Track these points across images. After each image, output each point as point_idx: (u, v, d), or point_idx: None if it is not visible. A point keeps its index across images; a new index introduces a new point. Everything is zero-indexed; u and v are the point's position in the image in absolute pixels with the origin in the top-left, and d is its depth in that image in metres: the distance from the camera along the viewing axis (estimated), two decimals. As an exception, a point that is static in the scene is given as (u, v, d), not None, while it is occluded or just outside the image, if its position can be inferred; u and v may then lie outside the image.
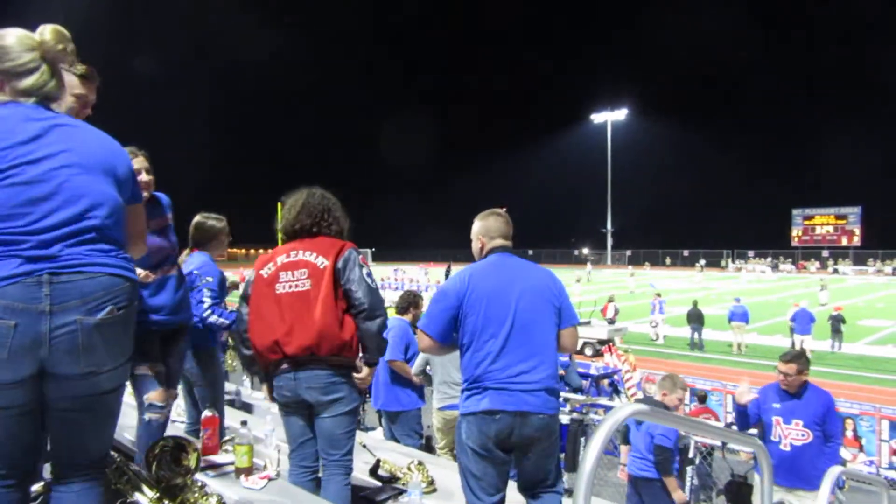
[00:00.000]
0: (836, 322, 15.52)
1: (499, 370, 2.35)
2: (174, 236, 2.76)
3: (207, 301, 3.33)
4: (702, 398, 8.89)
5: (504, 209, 2.79)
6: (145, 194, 2.52)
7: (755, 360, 14.56)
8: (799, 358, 3.93)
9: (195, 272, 3.36)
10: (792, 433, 3.86)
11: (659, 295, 17.93)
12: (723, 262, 55.67)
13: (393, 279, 26.64)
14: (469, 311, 2.41)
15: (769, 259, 54.41)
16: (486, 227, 2.63)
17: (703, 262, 50.38)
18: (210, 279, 3.36)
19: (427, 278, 25.27)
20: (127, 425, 3.46)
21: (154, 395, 2.63)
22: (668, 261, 59.60)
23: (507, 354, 2.36)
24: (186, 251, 3.59)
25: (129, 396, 4.45)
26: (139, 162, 2.57)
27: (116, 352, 1.51)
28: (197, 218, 3.55)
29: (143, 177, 2.55)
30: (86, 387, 1.47)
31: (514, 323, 2.39)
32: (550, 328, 2.46)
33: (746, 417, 4.00)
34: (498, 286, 2.44)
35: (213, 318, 3.37)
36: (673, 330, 18.36)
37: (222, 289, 3.42)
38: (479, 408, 2.35)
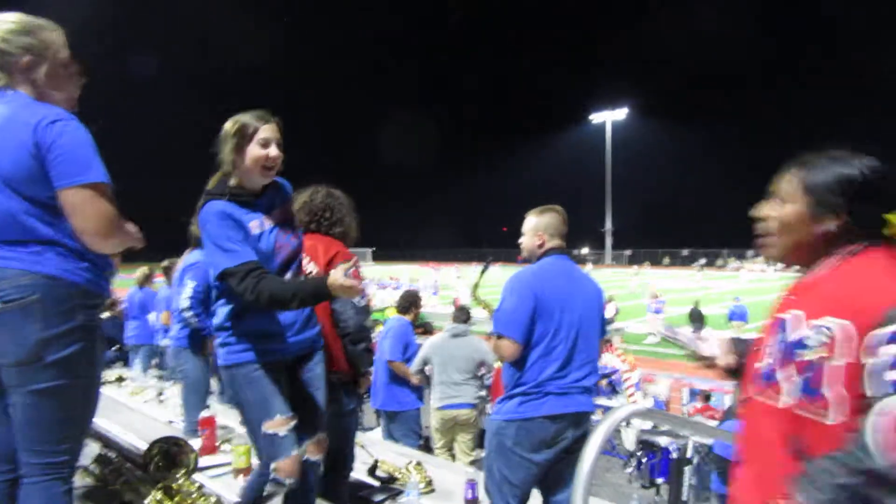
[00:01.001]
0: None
1: (563, 376, 2.32)
2: (300, 231, 2.14)
3: (186, 302, 3.40)
4: (706, 397, 8.91)
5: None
6: (268, 179, 1.96)
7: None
8: None
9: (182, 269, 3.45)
10: None
11: (657, 296, 17.91)
12: (719, 262, 55.59)
13: (429, 282, 23.80)
14: (542, 313, 2.33)
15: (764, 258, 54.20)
16: (547, 224, 2.55)
17: (702, 261, 50.34)
18: (194, 283, 3.41)
19: (458, 277, 24.75)
20: (128, 425, 3.45)
21: (312, 449, 2.05)
22: (666, 260, 59.53)
23: (572, 360, 2.35)
24: (188, 250, 3.62)
25: (126, 396, 4.45)
26: (267, 131, 1.89)
27: (23, 346, 1.45)
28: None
29: (272, 151, 1.89)
30: (8, 377, 1.51)
31: (580, 330, 2.38)
32: (599, 337, 2.51)
33: None
34: (569, 291, 2.41)
35: (187, 314, 3.42)
36: (672, 330, 18.30)
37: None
38: (540, 413, 2.29)
